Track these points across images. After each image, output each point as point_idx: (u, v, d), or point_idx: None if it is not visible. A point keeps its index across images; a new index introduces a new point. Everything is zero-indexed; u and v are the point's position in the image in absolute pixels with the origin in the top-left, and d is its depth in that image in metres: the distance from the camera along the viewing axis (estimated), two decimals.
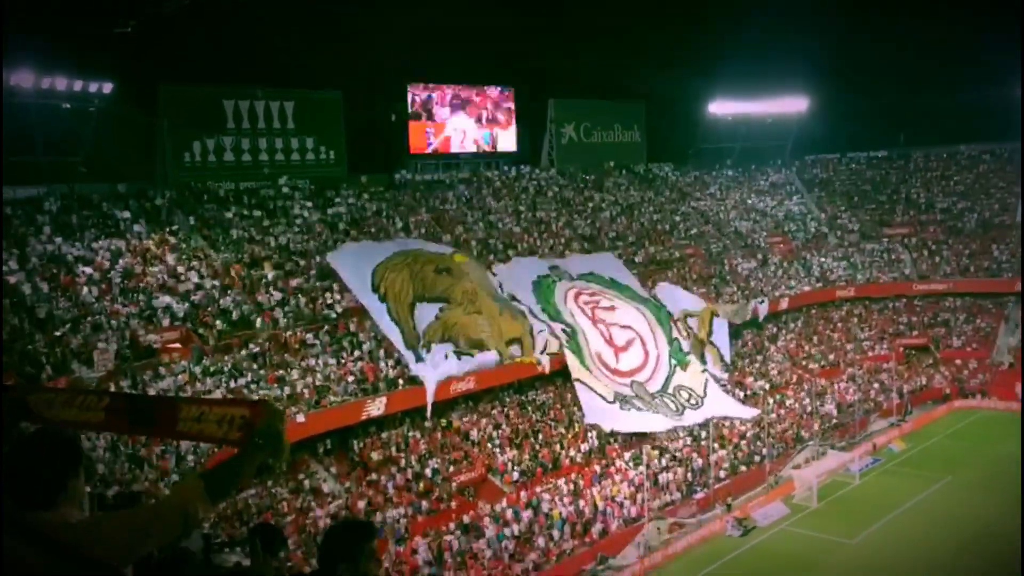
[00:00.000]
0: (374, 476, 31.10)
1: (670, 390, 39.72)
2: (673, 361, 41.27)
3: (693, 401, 39.53)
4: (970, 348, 51.17)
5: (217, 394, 28.00)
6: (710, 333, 43.75)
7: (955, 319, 53.58)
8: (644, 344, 41.19)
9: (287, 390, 29.96)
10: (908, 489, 35.87)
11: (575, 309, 40.40)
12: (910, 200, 61.05)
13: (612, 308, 41.76)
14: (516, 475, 33.30)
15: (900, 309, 54.98)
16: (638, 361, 40.44)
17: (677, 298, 45.02)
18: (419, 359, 33.38)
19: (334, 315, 34.68)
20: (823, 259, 55.73)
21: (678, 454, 36.57)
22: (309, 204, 40.22)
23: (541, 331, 37.56)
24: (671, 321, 42.93)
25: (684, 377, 40.70)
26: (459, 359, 34.13)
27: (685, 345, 42.54)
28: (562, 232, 47.28)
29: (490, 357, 35.14)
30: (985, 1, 64.74)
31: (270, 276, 34.87)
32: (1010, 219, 56.61)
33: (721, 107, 62.99)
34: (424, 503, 30.53)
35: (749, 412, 40.38)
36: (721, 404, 40.21)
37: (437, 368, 33.18)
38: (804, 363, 47.74)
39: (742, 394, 42.22)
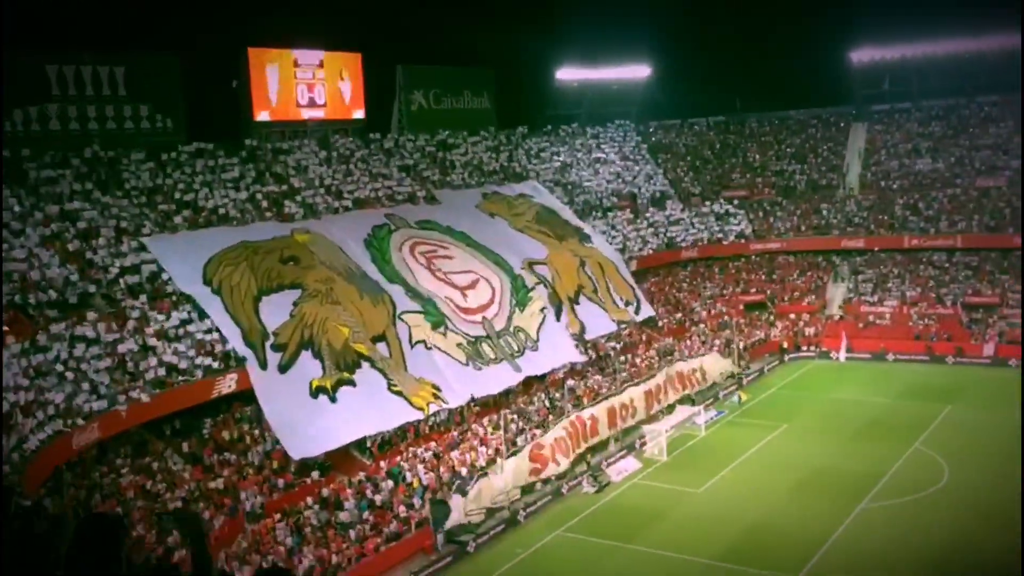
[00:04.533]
0: (227, 455, 30.24)
1: (511, 329, 40.35)
2: (514, 300, 41.83)
3: (529, 344, 40.32)
4: (804, 303, 54.47)
5: (48, 380, 26.42)
6: (575, 299, 44.51)
7: (789, 276, 56.85)
8: (489, 282, 41.70)
9: (130, 367, 28.59)
10: (749, 438, 38.02)
11: (412, 263, 40.08)
12: (746, 163, 64.03)
13: (450, 257, 41.91)
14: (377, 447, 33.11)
15: (740, 267, 57.85)
16: (486, 298, 40.87)
17: (520, 247, 45.58)
18: (263, 364, 31.02)
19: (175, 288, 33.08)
20: (668, 221, 57.69)
21: (534, 416, 37.27)
22: (145, 173, 38.14)
23: (404, 312, 36.98)
24: (515, 270, 43.46)
25: (522, 318, 41.29)
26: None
27: (529, 281, 43.23)
28: (408, 190, 46.97)
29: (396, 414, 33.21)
30: None
31: (105, 250, 32.93)
32: (836, 180, 60.31)
33: (568, 74, 64.18)
34: (281, 480, 29.95)
35: (579, 356, 41.91)
36: (554, 350, 41.08)
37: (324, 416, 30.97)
38: (654, 321, 49.43)
39: (582, 346, 43.27)
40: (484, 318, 39.70)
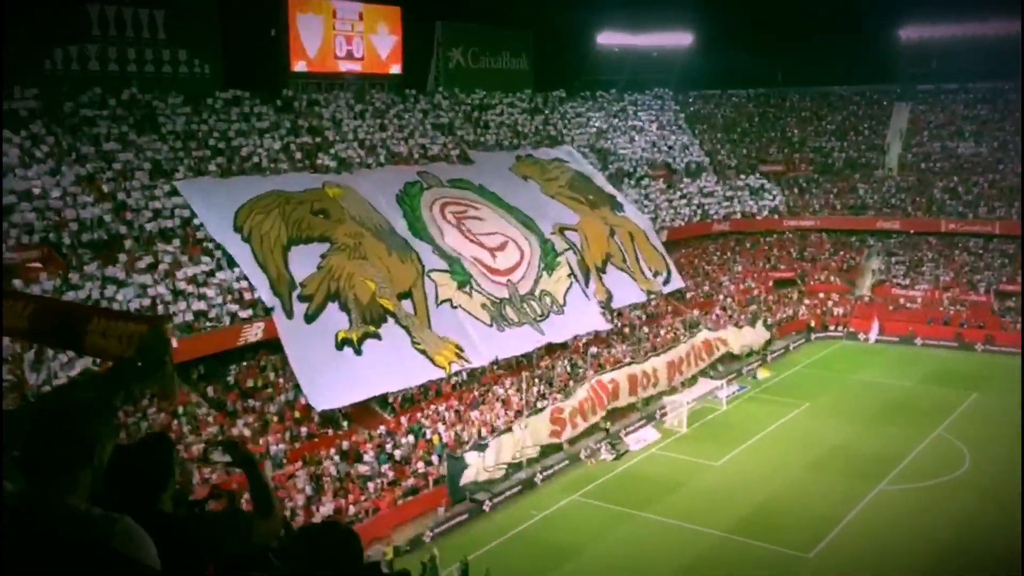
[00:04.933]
0: (251, 402, 30.63)
1: (536, 293, 40.39)
2: (542, 264, 41.81)
3: (555, 308, 40.36)
4: (833, 282, 53.90)
5: None
6: (603, 268, 44.41)
7: (820, 254, 56.24)
8: (517, 244, 41.71)
9: (159, 310, 28.94)
10: (770, 415, 37.89)
11: (442, 222, 40.11)
12: (785, 137, 63.12)
13: (480, 218, 41.91)
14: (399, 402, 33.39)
15: (771, 243, 57.28)
16: (514, 260, 41.01)
17: (551, 212, 45.40)
18: (289, 313, 31.45)
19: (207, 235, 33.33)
20: (702, 193, 57.15)
21: (556, 381, 37.37)
22: (182, 118, 38.28)
23: (431, 271, 37.07)
24: (545, 234, 43.40)
25: (549, 282, 41.31)
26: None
27: (559, 246, 43.11)
28: (443, 148, 46.89)
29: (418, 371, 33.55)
30: None
31: (139, 192, 33.19)
32: (875, 159, 59.35)
33: (608, 38, 63.38)
34: (304, 429, 30.32)
35: (604, 324, 41.88)
36: (579, 316, 41.13)
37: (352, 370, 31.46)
38: (682, 293, 49.19)
39: (610, 315, 43.21)
40: (510, 280, 39.73)
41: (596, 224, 46.30)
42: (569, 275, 42.39)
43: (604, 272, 44.38)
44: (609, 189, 50.67)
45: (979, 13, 57.32)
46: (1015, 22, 56.16)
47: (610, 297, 43.45)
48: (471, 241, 40.19)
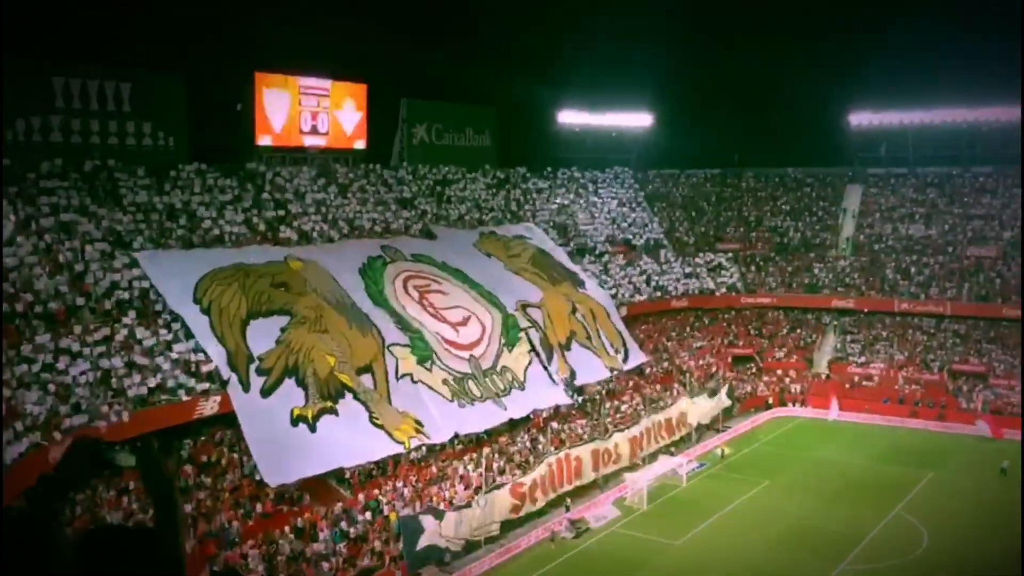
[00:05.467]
0: (205, 478, 29.93)
1: (498, 368, 40.25)
2: (503, 339, 41.79)
3: (515, 384, 40.23)
4: (791, 359, 54.55)
5: (31, 391, 26.21)
6: (567, 345, 44.45)
7: (778, 331, 57.00)
8: (480, 319, 41.67)
9: (113, 383, 28.39)
10: (730, 492, 37.85)
11: (403, 296, 40.10)
12: (741, 216, 64.49)
13: (443, 292, 41.94)
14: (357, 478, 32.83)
15: (730, 320, 57.98)
16: (476, 335, 40.85)
17: (514, 288, 45.65)
18: (246, 386, 31.03)
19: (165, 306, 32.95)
20: (661, 270, 57.90)
21: (516, 457, 37.07)
22: (144, 190, 38.13)
23: (392, 345, 36.95)
24: (508, 309, 43.48)
25: (509, 359, 41.24)
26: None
27: (521, 322, 43.23)
28: (406, 222, 47.16)
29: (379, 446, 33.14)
30: (817, 31, 69.68)
31: (97, 264, 32.82)
32: (830, 239, 60.76)
33: (569, 117, 64.81)
34: (259, 506, 29.63)
35: (565, 399, 41.88)
36: (539, 391, 41.05)
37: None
38: (642, 369, 49.39)
39: (570, 391, 43.13)
40: (472, 356, 39.63)
41: (558, 300, 46.56)
42: (530, 351, 42.40)
43: (568, 349, 44.43)
44: (571, 265, 51.12)
45: (925, 102, 59.69)
46: (961, 110, 58.61)
47: (573, 374, 43.42)
48: (433, 316, 40.15)
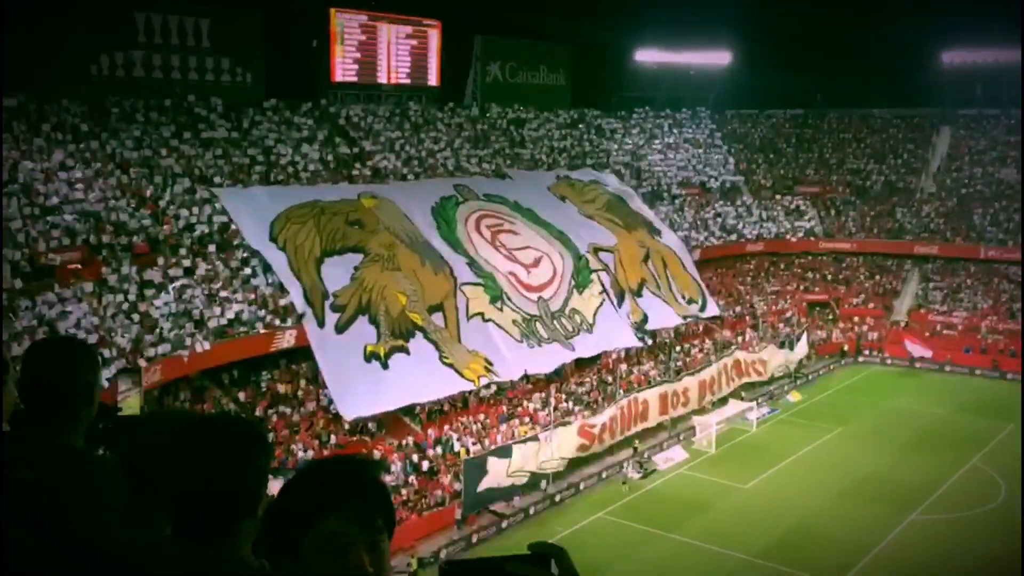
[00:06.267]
0: (282, 408, 30.84)
1: (566, 311, 40.23)
2: (574, 282, 41.64)
3: (584, 327, 40.16)
4: (868, 306, 53.26)
5: (116, 320, 27.21)
6: (638, 291, 44.12)
7: (855, 277, 55.61)
8: (552, 260, 41.60)
9: (195, 315, 29.30)
10: (800, 439, 37.45)
11: (477, 236, 40.14)
12: (822, 159, 62.60)
13: (515, 233, 41.85)
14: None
15: (805, 265, 56.74)
16: (547, 276, 40.81)
17: (587, 231, 45.20)
18: (320, 322, 31.71)
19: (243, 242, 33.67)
20: (736, 213, 56.79)
21: (584, 398, 37.24)
22: (221, 127, 38.78)
23: (464, 284, 37.16)
24: (580, 251, 43.27)
25: (579, 301, 41.14)
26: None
27: (593, 264, 43.00)
28: (479, 161, 47.05)
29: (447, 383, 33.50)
30: None
31: (179, 198, 33.63)
32: (915, 183, 58.67)
33: (646, 55, 63.25)
34: (333, 437, 30.46)
35: (635, 342, 41.66)
36: (609, 333, 40.89)
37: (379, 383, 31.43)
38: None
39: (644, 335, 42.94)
40: (541, 297, 39.64)
41: (632, 246, 45.99)
42: (601, 292, 42.20)
43: (639, 295, 44.09)
44: (646, 213, 50.35)
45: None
46: None
47: (645, 318, 43.13)
48: (505, 256, 40.21)
